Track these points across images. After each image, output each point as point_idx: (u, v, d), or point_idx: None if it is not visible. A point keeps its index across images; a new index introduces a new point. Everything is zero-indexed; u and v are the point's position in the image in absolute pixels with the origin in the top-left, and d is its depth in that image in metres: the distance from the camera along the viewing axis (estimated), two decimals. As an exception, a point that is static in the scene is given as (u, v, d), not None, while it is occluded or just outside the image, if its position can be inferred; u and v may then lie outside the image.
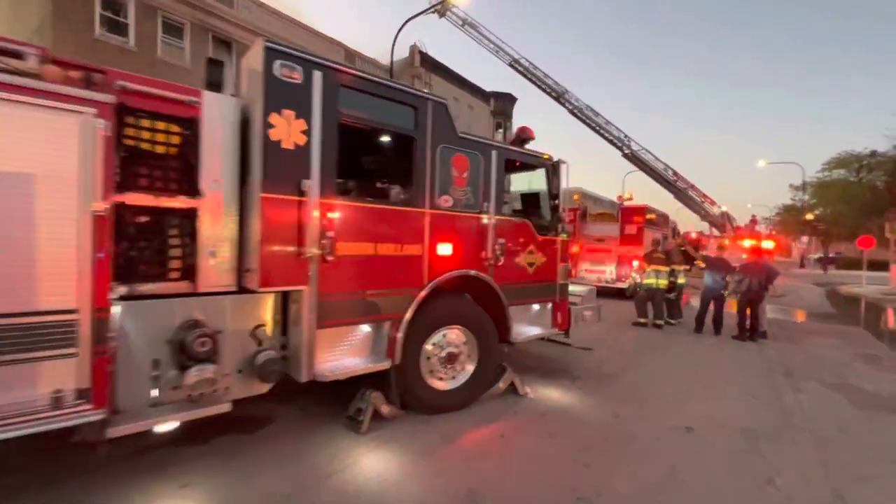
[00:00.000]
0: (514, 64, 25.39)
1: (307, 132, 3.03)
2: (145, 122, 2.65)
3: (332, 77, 3.19)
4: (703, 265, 9.21)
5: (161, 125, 2.70)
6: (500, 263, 4.34)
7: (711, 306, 8.52)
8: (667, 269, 9.00)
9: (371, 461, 3.17)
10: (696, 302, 9.48)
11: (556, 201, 4.96)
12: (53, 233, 2.20)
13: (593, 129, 26.15)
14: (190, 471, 2.90)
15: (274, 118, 2.89)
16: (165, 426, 2.69)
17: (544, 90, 25.92)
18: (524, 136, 4.74)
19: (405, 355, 3.67)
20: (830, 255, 43.39)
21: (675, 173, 26.62)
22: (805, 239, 43.75)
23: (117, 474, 2.82)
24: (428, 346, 3.93)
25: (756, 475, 3.23)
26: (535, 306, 5.02)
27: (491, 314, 4.33)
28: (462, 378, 4.14)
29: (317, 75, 3.08)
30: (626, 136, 26.53)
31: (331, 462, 3.13)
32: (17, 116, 2.10)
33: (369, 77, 3.50)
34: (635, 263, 11.56)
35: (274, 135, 2.90)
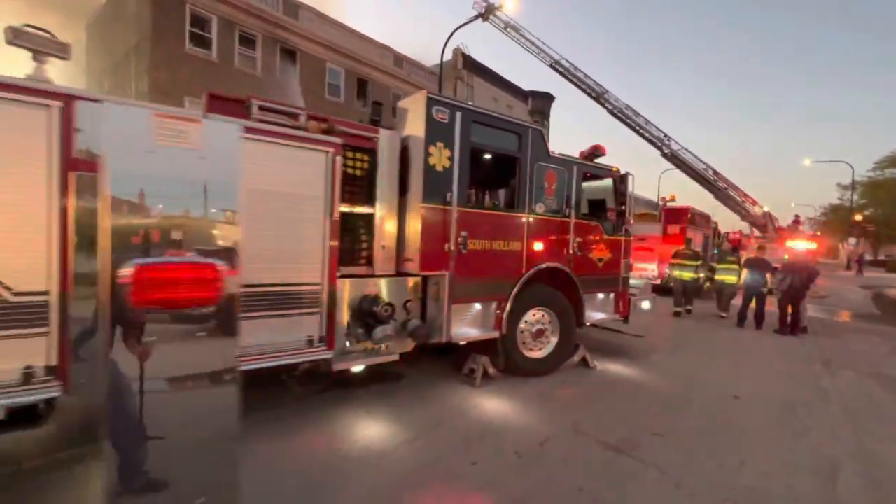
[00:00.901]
0: (555, 65, 25.86)
1: (451, 157, 4.10)
2: (350, 154, 3.77)
3: (468, 115, 4.23)
4: (741, 264, 9.99)
5: (359, 155, 3.82)
6: (577, 258, 5.31)
7: (753, 304, 9.18)
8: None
9: (490, 404, 4.23)
10: (736, 300, 10.12)
11: (622, 206, 5.87)
12: (310, 232, 3.34)
13: (633, 128, 26.33)
14: (366, 404, 4.05)
15: (431, 149, 3.97)
16: (359, 367, 3.83)
17: (584, 90, 26.31)
18: (597, 152, 5.65)
19: (508, 328, 4.71)
20: (871, 258, 41.71)
21: (715, 173, 26.49)
22: (852, 240, 42.23)
23: (314, 406, 3.99)
24: (522, 324, 4.96)
25: (793, 429, 4.09)
26: (601, 295, 5.95)
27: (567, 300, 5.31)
28: (547, 350, 5.15)
29: (458, 115, 4.13)
30: (665, 135, 26.56)
31: (461, 403, 4.21)
32: (294, 157, 3.24)
33: (490, 113, 4.52)
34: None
35: (431, 161, 3.98)
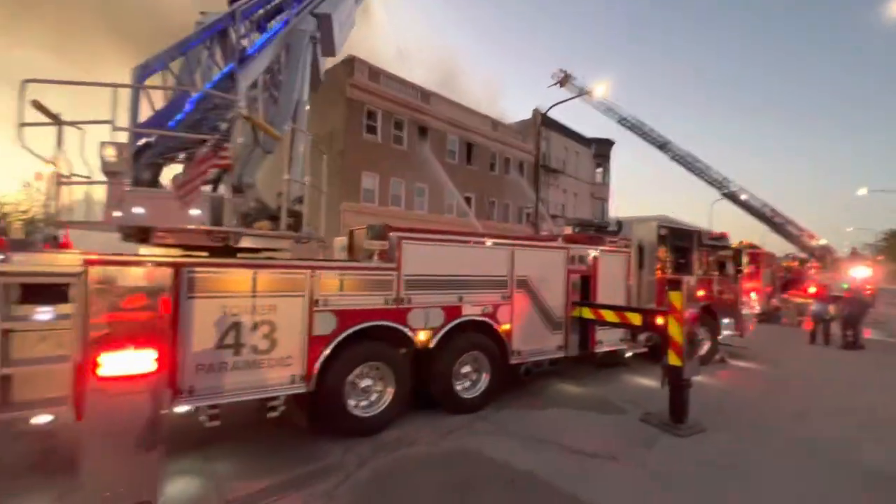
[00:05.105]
0: (623, 121, 30.09)
1: (665, 250, 8.37)
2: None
3: (671, 230, 8.51)
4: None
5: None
6: (716, 297, 9.39)
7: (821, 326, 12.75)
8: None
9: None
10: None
11: (739, 266, 9.91)
12: (621, 288, 7.64)
13: (694, 173, 29.90)
14: (633, 370, 8.21)
15: (659, 249, 8.26)
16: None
17: (649, 141, 30.30)
18: (724, 236, 9.77)
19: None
20: None
21: (773, 210, 29.45)
22: (914, 266, 42.87)
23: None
24: (691, 334, 9.03)
25: (855, 389, 7.90)
26: (727, 319, 9.94)
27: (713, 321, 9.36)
28: (704, 350, 9.18)
29: (667, 230, 8.42)
30: (724, 177, 29.96)
31: (672, 374, 8.31)
32: (614, 257, 7.59)
33: (680, 226, 8.79)
34: (753, 295, 16.10)
35: (659, 255, 8.25)
